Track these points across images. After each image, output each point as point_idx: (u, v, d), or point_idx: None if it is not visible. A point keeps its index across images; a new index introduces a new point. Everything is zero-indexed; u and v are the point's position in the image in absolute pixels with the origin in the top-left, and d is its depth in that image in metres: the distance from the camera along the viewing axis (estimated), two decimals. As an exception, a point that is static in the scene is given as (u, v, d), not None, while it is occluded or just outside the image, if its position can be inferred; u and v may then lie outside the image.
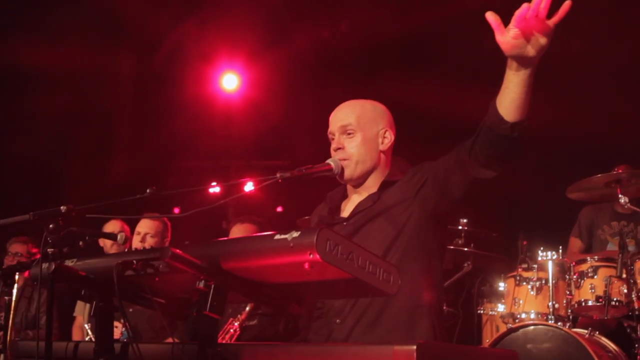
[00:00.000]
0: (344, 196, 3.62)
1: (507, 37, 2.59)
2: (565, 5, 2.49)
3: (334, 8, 8.53)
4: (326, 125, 3.53)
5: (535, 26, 2.55)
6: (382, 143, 3.48)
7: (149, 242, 6.06)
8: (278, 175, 3.07)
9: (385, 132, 3.48)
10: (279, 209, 10.42)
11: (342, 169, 3.39)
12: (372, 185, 3.48)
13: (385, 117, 3.53)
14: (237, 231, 5.81)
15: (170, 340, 5.20)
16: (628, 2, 7.31)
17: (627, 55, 7.38)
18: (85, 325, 6.09)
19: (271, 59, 9.03)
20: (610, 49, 7.31)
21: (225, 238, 4.46)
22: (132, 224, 6.32)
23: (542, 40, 2.59)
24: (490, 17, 2.55)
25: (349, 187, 3.59)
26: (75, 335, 6.55)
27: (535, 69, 2.70)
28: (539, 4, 2.48)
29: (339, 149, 3.42)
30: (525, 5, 2.50)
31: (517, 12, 2.52)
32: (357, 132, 3.42)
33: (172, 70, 8.98)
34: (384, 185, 3.45)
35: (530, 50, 2.61)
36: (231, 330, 5.19)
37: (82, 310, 6.51)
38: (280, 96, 9.26)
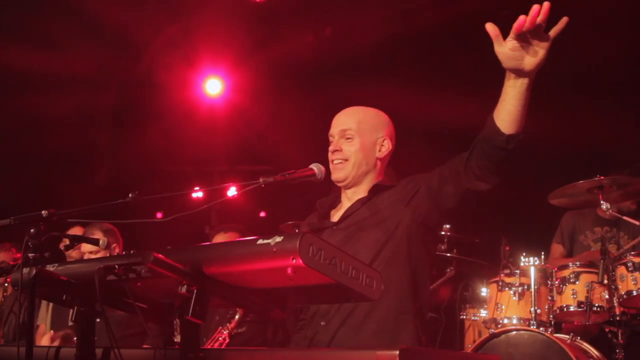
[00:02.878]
0: (334, 204, 3.64)
1: (505, 48, 2.63)
2: (563, 20, 2.54)
3: (319, 14, 8.52)
4: (308, 130, 3.54)
5: (533, 39, 2.59)
6: (380, 151, 3.52)
7: None
8: (261, 180, 3.09)
9: (383, 141, 3.53)
10: (262, 214, 10.46)
11: (325, 174, 3.39)
12: (364, 190, 3.51)
13: (386, 126, 3.58)
14: (221, 240, 5.80)
15: (146, 345, 5.20)
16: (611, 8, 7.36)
17: (610, 62, 7.43)
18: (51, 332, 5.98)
19: (255, 64, 9.04)
20: (592, 56, 7.34)
21: (208, 243, 4.52)
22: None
23: (540, 53, 2.63)
24: (490, 28, 2.60)
25: (341, 192, 3.61)
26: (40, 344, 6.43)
27: (533, 81, 2.74)
28: (536, 16, 2.52)
29: (336, 150, 3.48)
30: (522, 17, 2.53)
31: (515, 24, 2.55)
32: (356, 137, 3.48)
33: (156, 75, 8.95)
34: (375, 190, 3.47)
35: (528, 63, 2.65)
36: (220, 339, 5.19)
37: (44, 319, 6.38)
38: (264, 101, 9.34)
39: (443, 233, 6.42)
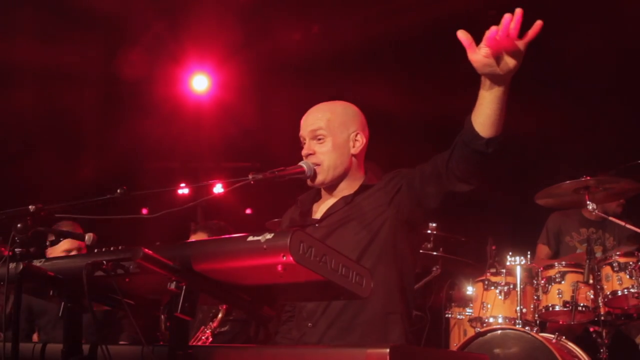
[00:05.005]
0: (316, 199, 3.60)
1: (478, 55, 2.58)
2: (536, 26, 2.50)
3: (307, 10, 8.49)
4: (297, 127, 3.52)
5: (507, 45, 2.54)
6: (354, 147, 3.45)
7: None
8: (250, 177, 3.07)
9: (356, 135, 3.46)
10: (248, 211, 10.38)
11: (315, 172, 3.38)
12: (345, 188, 3.46)
13: (356, 119, 3.51)
14: (205, 235, 5.68)
15: (122, 342, 5.15)
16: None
17: (596, 61, 7.47)
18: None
19: (242, 60, 8.95)
20: (582, 54, 7.39)
21: (197, 239, 4.40)
22: (101, 225, 6.17)
23: (514, 59, 2.59)
24: (462, 35, 2.56)
25: (322, 190, 3.58)
26: None
27: (509, 86, 2.70)
28: (508, 24, 2.47)
29: (310, 154, 3.41)
30: (494, 28, 2.50)
31: (488, 33, 2.52)
32: (328, 137, 3.40)
33: (142, 70, 8.89)
34: (360, 189, 3.44)
35: (502, 69, 2.60)
36: (203, 338, 5.15)
37: None
38: (251, 98, 9.14)
39: (429, 231, 6.40)
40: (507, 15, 2.47)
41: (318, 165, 3.39)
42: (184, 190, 6.99)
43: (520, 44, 2.55)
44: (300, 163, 3.38)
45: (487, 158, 2.85)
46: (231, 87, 9.32)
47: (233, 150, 10.14)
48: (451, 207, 3.19)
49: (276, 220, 5.64)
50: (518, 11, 2.47)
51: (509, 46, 2.54)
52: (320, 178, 3.40)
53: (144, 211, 7.33)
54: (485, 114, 2.77)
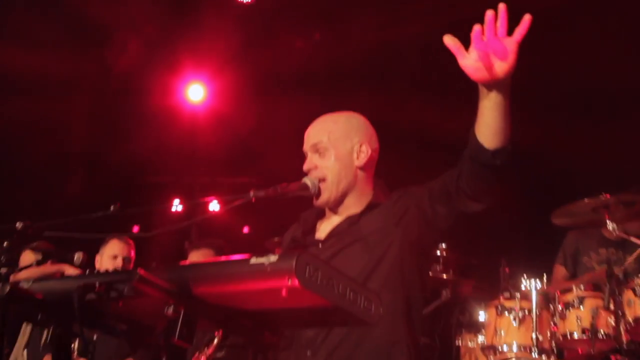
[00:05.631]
0: (319, 216, 3.56)
1: (469, 60, 2.53)
2: (526, 19, 2.46)
3: (309, 18, 8.50)
4: (297, 140, 3.53)
5: (496, 46, 2.48)
6: (358, 158, 3.41)
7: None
8: (251, 194, 3.06)
9: (361, 147, 3.41)
10: (246, 230, 10.30)
11: (319, 189, 3.35)
12: (351, 205, 3.41)
13: (360, 129, 3.48)
14: (200, 256, 5.70)
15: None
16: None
17: (615, 78, 7.45)
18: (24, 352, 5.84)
19: (240, 69, 8.97)
20: (598, 70, 7.38)
21: (196, 261, 4.45)
22: (93, 245, 6.17)
23: (507, 60, 2.51)
24: (449, 41, 2.51)
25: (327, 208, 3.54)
26: None
27: (509, 90, 2.65)
28: (493, 22, 2.44)
29: (311, 169, 3.39)
30: (478, 27, 2.45)
31: (473, 34, 2.47)
32: (330, 150, 3.37)
33: (136, 80, 8.89)
34: (368, 208, 3.39)
35: (497, 72, 2.54)
36: (198, 365, 5.10)
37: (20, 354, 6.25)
38: (249, 109, 9.24)
39: (438, 253, 6.37)
40: (489, 13, 2.43)
41: (323, 180, 3.35)
42: (177, 208, 6.97)
43: (511, 43, 2.48)
44: (304, 179, 3.35)
45: (496, 172, 2.82)
46: (228, 97, 9.38)
47: (230, 165, 10.10)
48: (463, 227, 3.18)
49: (276, 239, 5.60)
50: (501, 7, 2.43)
51: (498, 46, 2.47)
52: (325, 196, 3.36)
53: (136, 229, 7.28)
54: (487, 123, 2.73)
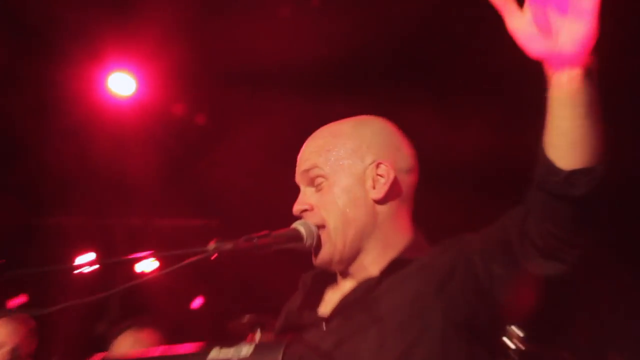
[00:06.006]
0: (330, 279, 2.85)
1: (523, 22, 2.08)
2: None
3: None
4: (280, 156, 3.28)
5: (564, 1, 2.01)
6: (374, 188, 2.68)
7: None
8: (212, 246, 2.43)
9: (377, 168, 2.69)
10: (198, 303, 8.59)
11: (319, 240, 2.66)
12: (369, 262, 2.69)
13: (377, 141, 2.77)
14: (129, 342, 4.92)
15: None
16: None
17: None
18: None
19: (183, 53, 7.11)
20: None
21: (124, 354, 3.93)
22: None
23: (583, 20, 1.99)
24: None
25: None
26: None
27: (593, 75, 2.06)
28: None
29: (305, 210, 2.72)
30: None
31: None
32: (330, 179, 2.72)
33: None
34: (393, 266, 2.62)
35: (566, 40, 2.03)
36: None
37: None
38: (203, 110, 7.42)
39: (510, 344, 5.14)
40: None
41: (322, 227, 2.68)
42: (90, 268, 5.60)
43: None
44: (295, 225, 2.67)
45: (577, 207, 2.15)
46: (172, 91, 7.40)
47: (175, 198, 7.93)
48: (539, 301, 2.50)
49: (247, 317, 4.46)
50: None
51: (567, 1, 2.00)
52: (326, 251, 2.66)
53: (19, 300, 5.78)
54: (559, 128, 2.15)
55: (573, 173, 2.15)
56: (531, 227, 2.32)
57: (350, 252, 2.70)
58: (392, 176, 2.70)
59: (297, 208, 2.77)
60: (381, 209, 2.71)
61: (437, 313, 2.56)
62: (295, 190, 2.84)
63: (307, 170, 2.77)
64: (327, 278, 2.91)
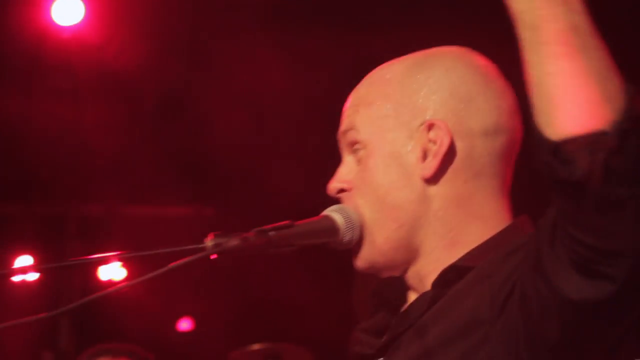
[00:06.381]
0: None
1: None
2: None
3: None
4: (297, 116, 3.39)
5: None
6: (423, 161, 2.04)
7: None
8: (209, 243, 1.87)
9: (428, 131, 2.04)
10: (185, 326, 7.27)
11: (361, 234, 2.08)
12: (428, 270, 2.05)
13: (435, 88, 2.08)
14: None
15: None
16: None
17: None
18: None
19: None
20: None
21: None
22: None
23: None
24: None
25: None
26: None
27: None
28: None
29: (342, 190, 2.13)
30: None
31: None
32: (368, 147, 2.12)
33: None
34: (445, 278, 2.00)
35: None
36: None
37: None
38: (187, 59, 5.75)
39: None
40: None
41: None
42: (33, 276, 4.77)
43: None
44: (327, 211, 2.09)
45: (589, 195, 1.50)
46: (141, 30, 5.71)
47: (147, 177, 6.18)
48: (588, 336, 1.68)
49: (258, 346, 3.74)
50: None
51: None
52: (366, 253, 2.09)
53: None
54: (534, 75, 1.53)
55: (564, 143, 1.57)
56: (557, 233, 1.70)
57: (396, 253, 2.10)
58: (446, 142, 2.04)
59: (332, 186, 2.21)
60: (436, 190, 2.07)
61: (496, 342, 1.90)
62: (327, 157, 2.32)
63: (344, 132, 2.22)
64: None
